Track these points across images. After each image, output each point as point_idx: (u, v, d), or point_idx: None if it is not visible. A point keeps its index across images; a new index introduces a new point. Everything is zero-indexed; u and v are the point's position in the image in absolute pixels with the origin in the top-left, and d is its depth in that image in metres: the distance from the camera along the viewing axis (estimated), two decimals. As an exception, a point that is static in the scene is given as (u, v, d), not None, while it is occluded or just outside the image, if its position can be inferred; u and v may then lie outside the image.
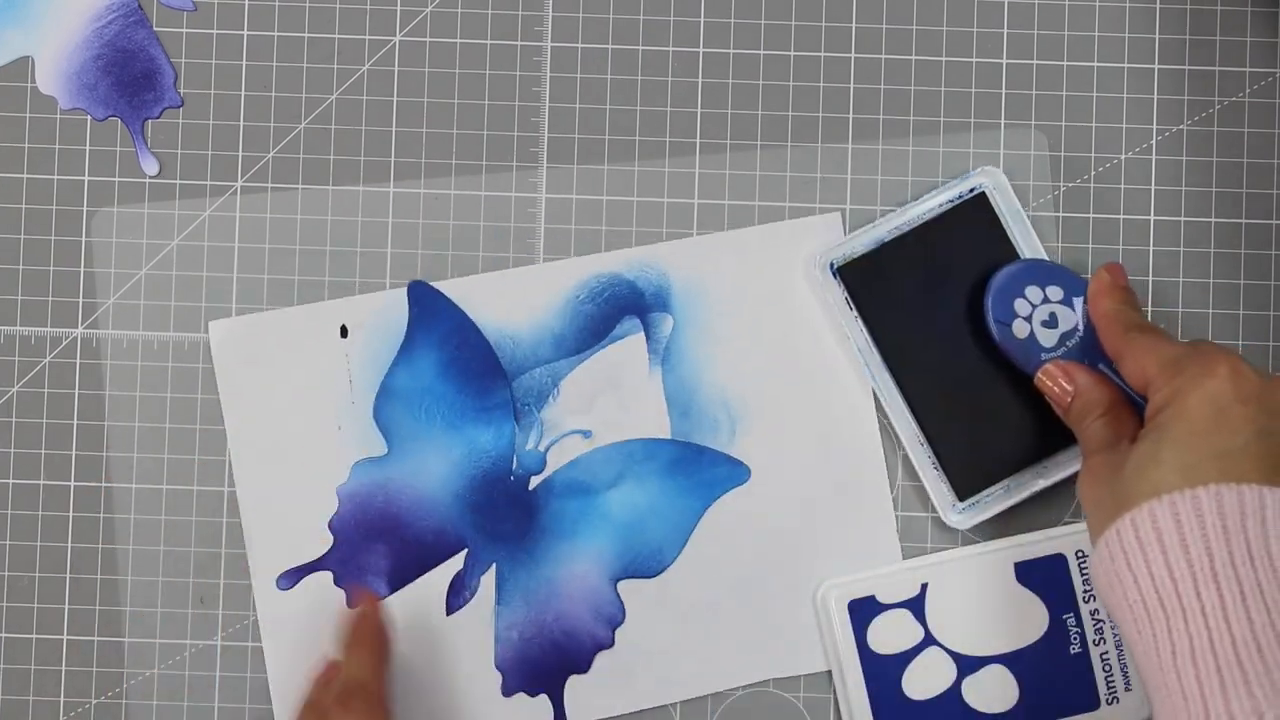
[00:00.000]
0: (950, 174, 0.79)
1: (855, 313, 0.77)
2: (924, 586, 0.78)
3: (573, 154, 0.79)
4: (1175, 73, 0.80)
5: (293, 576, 0.78)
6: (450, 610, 0.78)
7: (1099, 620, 0.77)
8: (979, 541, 0.78)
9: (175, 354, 0.79)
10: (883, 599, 0.77)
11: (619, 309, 0.79)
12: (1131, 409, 0.71)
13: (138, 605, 0.79)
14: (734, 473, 0.78)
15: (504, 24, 0.80)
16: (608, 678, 0.78)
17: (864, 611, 0.77)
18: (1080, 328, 0.75)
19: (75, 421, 0.79)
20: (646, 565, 0.78)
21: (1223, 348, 0.68)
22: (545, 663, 0.78)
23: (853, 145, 0.79)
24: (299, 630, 0.78)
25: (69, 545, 0.79)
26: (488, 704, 0.78)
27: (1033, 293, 0.75)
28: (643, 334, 0.79)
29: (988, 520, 0.77)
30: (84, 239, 0.79)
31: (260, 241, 0.79)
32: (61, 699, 0.78)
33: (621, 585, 0.78)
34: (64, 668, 0.78)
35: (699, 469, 0.78)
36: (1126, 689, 0.77)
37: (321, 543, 0.78)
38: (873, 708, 0.77)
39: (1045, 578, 0.77)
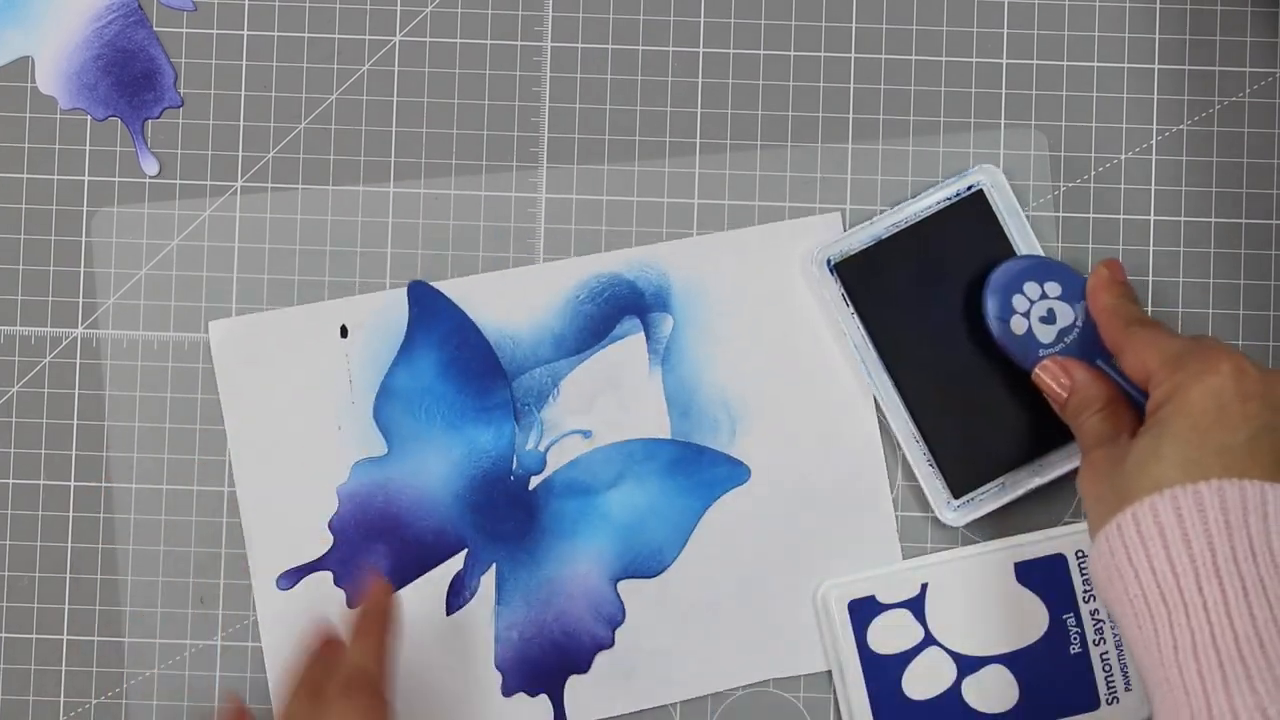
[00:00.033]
0: (950, 174, 0.79)
1: (851, 309, 0.77)
2: (924, 586, 0.78)
3: (573, 154, 0.80)
4: (1175, 73, 0.80)
5: (293, 576, 0.78)
6: (450, 610, 0.78)
7: (1099, 620, 0.77)
8: (979, 541, 0.78)
9: (175, 354, 0.79)
10: (883, 599, 0.77)
11: (619, 309, 0.79)
12: (1129, 405, 0.71)
13: (138, 605, 0.79)
14: (734, 473, 0.78)
15: (504, 24, 0.80)
16: (608, 678, 0.78)
17: (864, 611, 0.77)
18: (1078, 324, 0.75)
19: (75, 421, 0.79)
20: (646, 565, 0.78)
21: (1225, 344, 0.68)
22: (545, 663, 0.78)
23: (853, 145, 0.79)
24: (299, 630, 0.78)
25: (69, 545, 0.79)
26: (488, 704, 0.78)
27: (1031, 289, 0.75)
28: (643, 334, 0.79)
29: (987, 520, 0.77)
30: (84, 239, 0.79)
31: (260, 241, 0.79)
32: (61, 699, 0.78)
33: (621, 585, 0.78)
34: (64, 668, 0.78)
35: (699, 469, 0.78)
36: (1126, 689, 0.77)
37: (321, 543, 0.78)
38: (873, 708, 0.77)
39: (1045, 578, 0.77)
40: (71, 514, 0.79)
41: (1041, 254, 0.77)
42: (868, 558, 0.78)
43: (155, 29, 0.80)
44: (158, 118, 0.80)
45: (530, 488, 0.78)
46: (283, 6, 0.80)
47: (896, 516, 0.78)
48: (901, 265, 0.77)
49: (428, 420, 0.78)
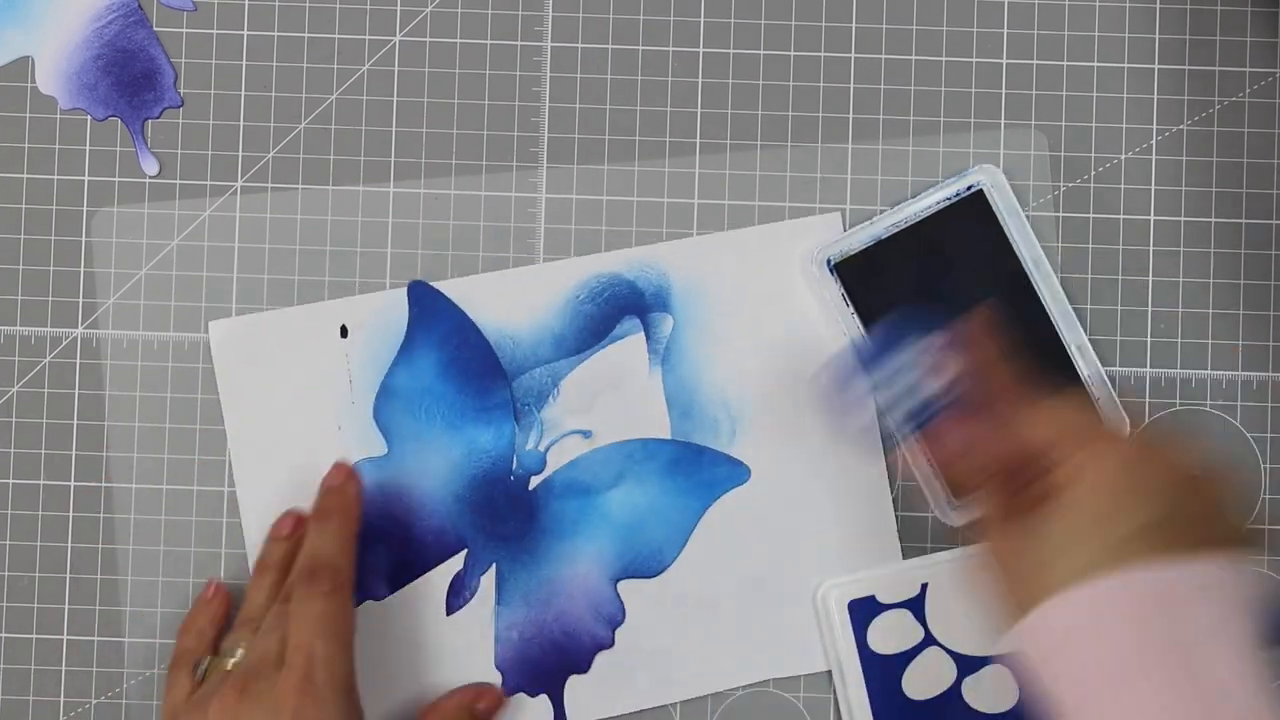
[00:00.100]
0: (950, 174, 0.79)
1: (851, 309, 0.77)
2: (924, 586, 0.78)
3: (573, 154, 0.80)
4: (1175, 73, 0.80)
5: (293, 576, 0.78)
6: (450, 610, 0.78)
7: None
8: (979, 541, 0.78)
9: (175, 354, 0.79)
10: (883, 599, 0.77)
11: (619, 309, 0.79)
12: (1024, 466, 0.66)
13: (138, 605, 0.79)
14: (734, 473, 0.78)
15: (504, 24, 0.80)
16: (608, 678, 0.78)
17: (864, 611, 0.77)
18: (956, 383, 0.71)
19: (75, 421, 0.79)
20: (646, 565, 0.78)
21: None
22: (545, 663, 0.78)
23: (853, 145, 0.79)
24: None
25: (69, 545, 0.79)
26: (488, 704, 0.78)
27: (903, 355, 0.73)
28: (643, 334, 0.79)
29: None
30: (84, 239, 0.79)
31: (260, 241, 0.79)
32: (61, 699, 0.78)
33: (621, 585, 0.78)
34: (64, 668, 0.78)
35: (699, 469, 0.78)
36: (1127, 689, 0.77)
37: (321, 543, 0.78)
38: (873, 708, 0.77)
39: (1045, 577, 0.77)
40: (71, 514, 0.79)
41: (902, 317, 0.75)
42: (868, 558, 0.78)
43: (155, 29, 0.80)
44: (158, 118, 0.80)
45: (530, 488, 0.78)
46: (283, 6, 0.80)
47: (896, 516, 0.78)
48: (901, 265, 0.77)
49: (428, 420, 0.78)
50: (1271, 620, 0.64)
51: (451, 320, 0.79)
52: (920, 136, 0.79)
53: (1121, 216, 0.79)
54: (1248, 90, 0.79)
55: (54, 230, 0.79)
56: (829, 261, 0.77)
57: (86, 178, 0.79)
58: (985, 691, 0.77)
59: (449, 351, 0.78)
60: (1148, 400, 0.79)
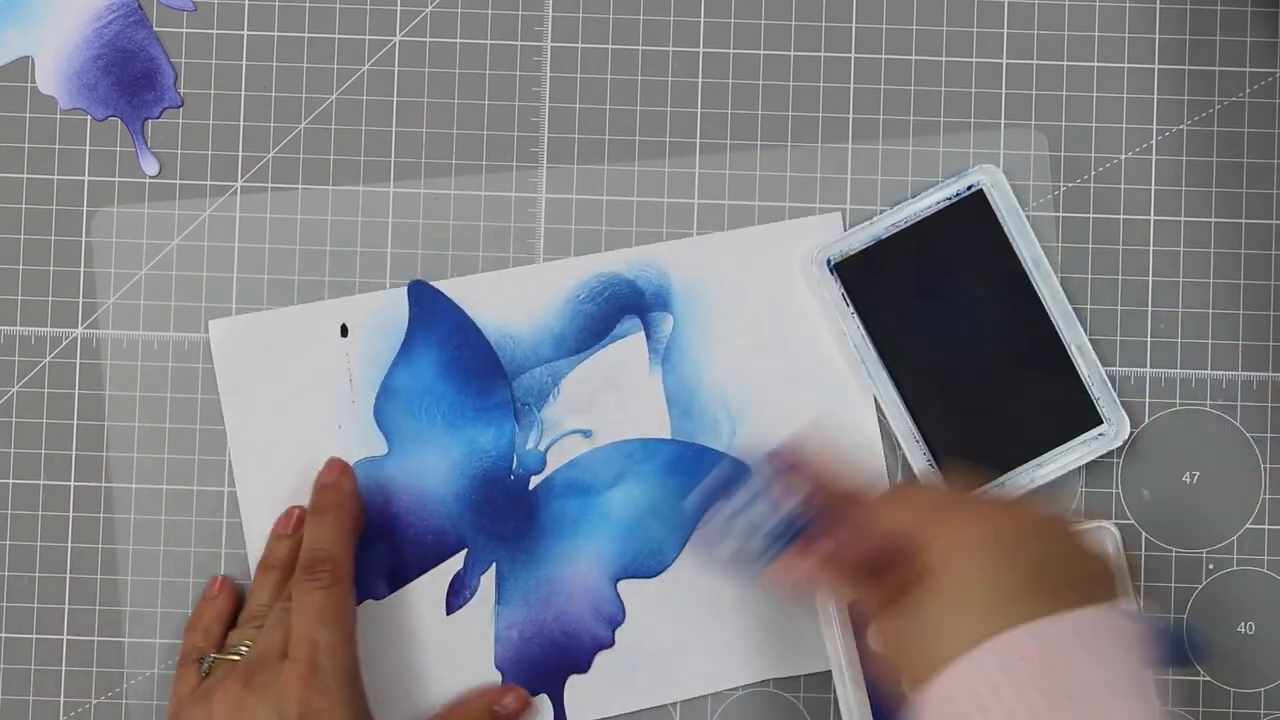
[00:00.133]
0: (950, 174, 0.79)
1: (851, 309, 0.77)
2: (924, 586, 0.77)
3: (573, 154, 0.80)
4: (1175, 73, 0.80)
5: (293, 576, 0.78)
6: (450, 610, 0.78)
7: (1099, 620, 0.77)
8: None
9: (175, 354, 0.79)
10: (883, 599, 0.77)
11: (619, 308, 0.79)
12: (892, 557, 0.67)
13: (138, 605, 0.79)
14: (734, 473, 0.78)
15: (504, 24, 0.80)
16: (608, 677, 0.78)
17: (864, 611, 0.77)
18: (787, 510, 0.71)
19: (75, 421, 0.79)
20: (646, 565, 0.78)
21: (943, 492, 0.69)
22: (545, 662, 0.78)
23: (853, 145, 0.79)
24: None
25: (69, 545, 0.79)
26: (488, 704, 0.78)
27: (728, 510, 0.73)
28: (643, 333, 0.79)
29: (988, 519, 0.77)
30: (84, 239, 0.79)
31: (260, 241, 0.79)
32: (61, 699, 0.78)
33: (621, 585, 0.78)
34: (64, 668, 0.78)
35: (699, 469, 0.78)
36: (1127, 689, 0.77)
37: (321, 542, 0.78)
38: (873, 707, 0.77)
39: (1045, 577, 0.77)
40: (71, 514, 0.79)
41: (736, 459, 0.76)
42: (868, 557, 0.78)
43: (155, 29, 0.80)
44: (158, 118, 0.80)
45: (530, 487, 0.78)
46: (283, 6, 0.80)
47: (896, 516, 0.78)
48: (901, 265, 0.77)
49: (428, 420, 0.78)
50: (1158, 653, 0.65)
51: (451, 320, 0.79)
52: (920, 136, 0.79)
53: (1121, 216, 0.79)
54: (1248, 90, 0.79)
55: (54, 230, 0.79)
56: (829, 261, 0.77)
57: (86, 178, 0.79)
58: (985, 691, 0.77)
59: (449, 351, 0.78)
60: (1148, 400, 0.79)
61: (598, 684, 0.78)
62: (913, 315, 0.77)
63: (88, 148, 0.80)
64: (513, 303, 0.79)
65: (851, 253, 0.78)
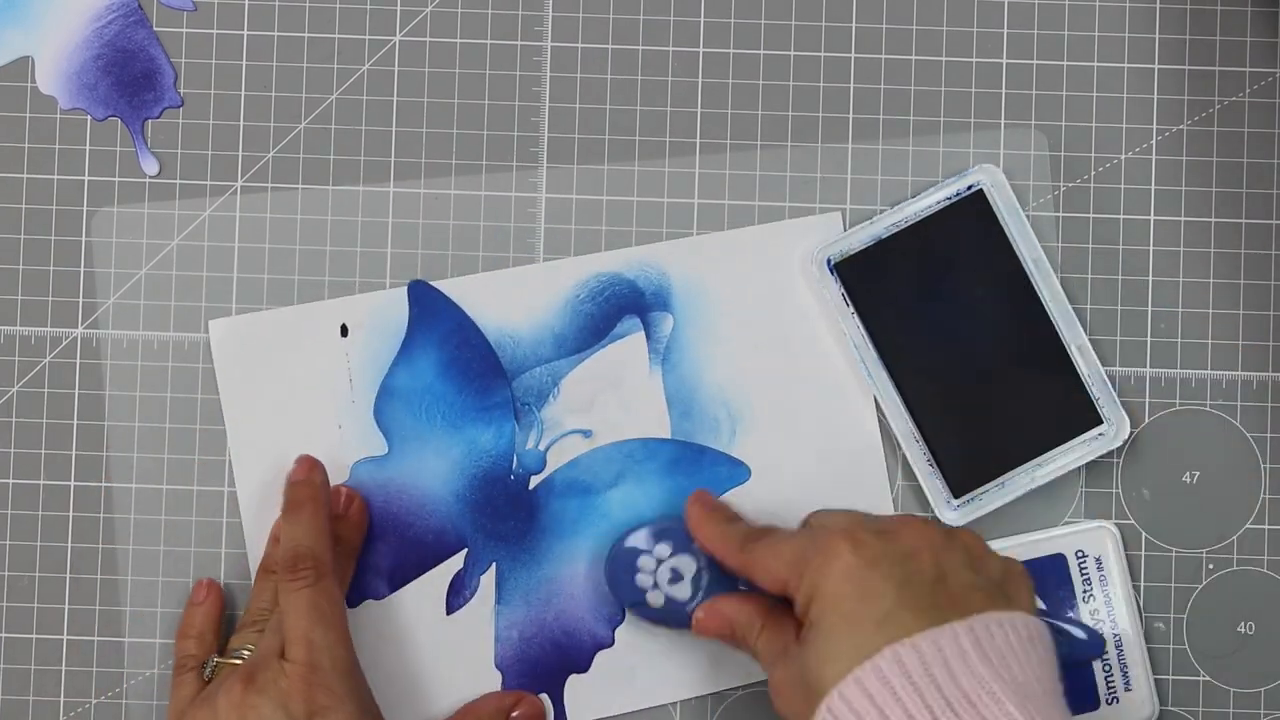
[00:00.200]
0: (950, 174, 0.79)
1: (851, 309, 0.77)
2: (924, 586, 0.77)
3: (573, 154, 0.80)
4: (1175, 73, 0.80)
5: (293, 576, 0.78)
6: (450, 610, 0.78)
7: (1099, 620, 0.77)
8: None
9: (175, 354, 0.79)
10: (882, 599, 0.77)
11: (619, 308, 0.79)
12: (787, 609, 0.69)
13: (138, 605, 0.79)
14: (734, 473, 0.78)
15: (504, 24, 0.80)
16: (608, 677, 0.78)
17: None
18: (704, 564, 0.74)
19: (75, 421, 0.79)
20: (646, 565, 0.78)
21: (839, 517, 0.70)
22: (545, 662, 0.78)
23: (853, 145, 0.79)
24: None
25: (69, 545, 0.79)
26: (488, 704, 0.78)
27: (645, 562, 0.75)
28: (643, 333, 0.79)
29: (986, 519, 0.77)
30: (84, 239, 0.79)
31: (260, 241, 0.79)
32: (61, 699, 0.78)
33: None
34: (64, 668, 0.78)
35: (699, 469, 0.78)
36: (1126, 689, 0.77)
37: (321, 542, 0.78)
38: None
39: (1045, 577, 0.77)
40: (71, 514, 0.79)
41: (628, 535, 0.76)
42: (868, 557, 0.78)
43: (155, 29, 0.80)
44: (158, 118, 0.80)
45: (530, 487, 0.78)
46: (283, 6, 0.80)
47: (896, 516, 0.78)
48: (901, 265, 0.77)
49: (428, 420, 0.78)
50: (1062, 653, 0.66)
51: (451, 320, 0.79)
52: (920, 136, 0.79)
53: (1121, 216, 0.79)
54: (1248, 90, 0.79)
55: (54, 230, 0.79)
56: (829, 261, 0.77)
57: (86, 178, 0.79)
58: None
59: (449, 351, 0.78)
60: (1148, 400, 0.79)
61: (598, 684, 0.78)
62: (913, 315, 0.77)
63: (88, 148, 0.80)
64: (513, 303, 0.79)
65: (851, 253, 0.78)
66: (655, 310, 0.79)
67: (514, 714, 0.77)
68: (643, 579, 0.75)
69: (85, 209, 0.79)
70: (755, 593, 0.71)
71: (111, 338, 0.79)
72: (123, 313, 0.79)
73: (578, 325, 0.79)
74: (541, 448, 0.78)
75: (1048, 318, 0.77)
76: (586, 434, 0.78)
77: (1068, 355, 0.78)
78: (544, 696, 0.78)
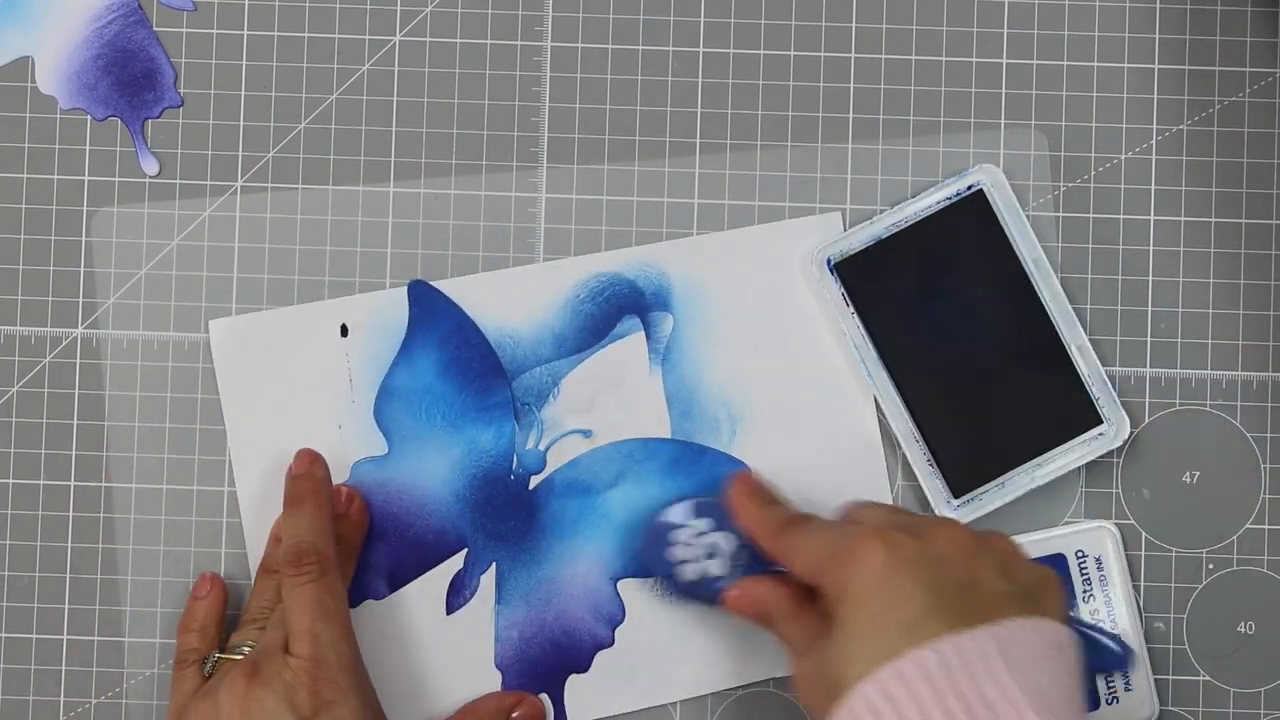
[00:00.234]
0: (950, 174, 0.79)
1: (851, 309, 0.77)
2: (924, 586, 0.77)
3: (573, 154, 0.80)
4: (1175, 73, 0.80)
5: (293, 576, 0.78)
6: (450, 610, 0.78)
7: (1099, 620, 0.77)
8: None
9: (175, 354, 0.79)
10: (882, 599, 0.77)
11: (619, 308, 0.79)
12: (818, 599, 0.69)
13: (138, 605, 0.79)
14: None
15: (504, 24, 0.80)
16: (608, 677, 0.78)
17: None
18: (741, 542, 0.74)
19: (75, 421, 0.79)
20: (646, 565, 0.78)
21: (877, 512, 0.70)
22: (545, 662, 0.78)
23: (853, 145, 0.79)
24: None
25: (69, 545, 0.79)
26: (488, 704, 0.78)
27: (682, 535, 0.75)
28: (643, 333, 0.79)
29: (987, 520, 0.77)
30: (84, 239, 0.79)
31: (260, 241, 0.79)
32: (61, 699, 0.78)
33: (621, 585, 0.78)
34: (64, 668, 0.78)
35: (699, 469, 0.78)
36: (1126, 689, 0.77)
37: (321, 542, 0.78)
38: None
39: (1045, 577, 0.77)
40: (71, 514, 0.79)
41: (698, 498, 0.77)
42: (868, 557, 0.78)
43: (155, 29, 0.80)
44: (158, 118, 0.80)
45: (530, 487, 0.78)
46: (283, 6, 0.80)
47: (896, 516, 0.78)
48: (902, 265, 0.77)
49: (428, 420, 0.78)
50: (1089, 661, 0.67)
51: (451, 320, 0.79)
52: (920, 136, 0.79)
53: (1121, 216, 0.79)
54: (1248, 90, 0.79)
55: (54, 230, 0.79)
56: (829, 261, 0.77)
57: (86, 178, 0.79)
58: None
59: (449, 351, 0.78)
60: (1148, 400, 0.79)
61: (598, 684, 0.78)
62: (913, 315, 0.77)
63: (88, 148, 0.80)
64: (513, 303, 0.79)
65: (851, 253, 0.78)
66: (655, 310, 0.79)
67: (514, 714, 0.77)
68: (678, 551, 0.75)
69: (85, 209, 0.79)
70: (788, 578, 0.71)
71: (111, 338, 0.79)
72: (123, 313, 0.79)
73: (578, 325, 0.79)
74: (541, 448, 0.78)
75: (1048, 318, 0.77)
76: (586, 434, 0.78)
77: (1068, 355, 0.78)
78: (544, 696, 0.78)
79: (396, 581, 0.78)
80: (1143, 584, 0.78)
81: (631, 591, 0.78)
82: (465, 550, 0.78)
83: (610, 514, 0.78)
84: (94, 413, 0.79)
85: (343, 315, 0.79)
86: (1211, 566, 0.79)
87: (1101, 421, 0.78)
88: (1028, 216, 0.78)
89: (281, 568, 0.73)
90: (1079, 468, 0.78)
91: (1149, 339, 0.79)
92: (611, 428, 0.78)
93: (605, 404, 0.78)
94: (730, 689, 0.78)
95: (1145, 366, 0.79)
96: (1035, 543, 0.77)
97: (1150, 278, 0.79)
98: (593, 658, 0.78)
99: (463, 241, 0.79)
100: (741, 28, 0.80)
